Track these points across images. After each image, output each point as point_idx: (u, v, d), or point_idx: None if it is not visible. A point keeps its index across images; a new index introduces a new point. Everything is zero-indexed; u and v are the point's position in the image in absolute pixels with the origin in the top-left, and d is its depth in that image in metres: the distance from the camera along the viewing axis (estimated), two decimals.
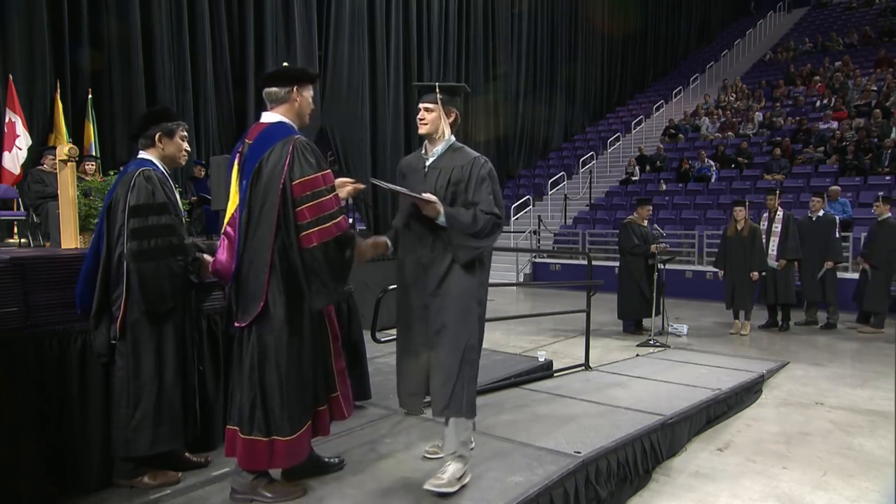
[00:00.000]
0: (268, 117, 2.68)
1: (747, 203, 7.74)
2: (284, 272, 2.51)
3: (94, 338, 2.73)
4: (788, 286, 7.97)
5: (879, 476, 3.64)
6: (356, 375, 3.88)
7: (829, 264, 8.07)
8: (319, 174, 2.52)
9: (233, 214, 2.59)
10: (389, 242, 2.96)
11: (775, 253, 7.95)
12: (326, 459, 2.92)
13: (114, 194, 2.76)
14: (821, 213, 8.32)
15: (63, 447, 2.71)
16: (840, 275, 9.27)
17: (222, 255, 2.62)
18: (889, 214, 8.16)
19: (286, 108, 2.67)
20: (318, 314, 2.64)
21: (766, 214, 8.17)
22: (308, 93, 2.73)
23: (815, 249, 8.14)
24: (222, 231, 2.64)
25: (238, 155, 2.65)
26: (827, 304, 8.28)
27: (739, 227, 7.64)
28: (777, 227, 7.98)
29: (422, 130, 2.91)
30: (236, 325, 2.60)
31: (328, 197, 2.52)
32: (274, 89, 2.66)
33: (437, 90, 2.86)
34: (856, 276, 8.68)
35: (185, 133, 2.97)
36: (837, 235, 8.19)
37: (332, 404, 2.76)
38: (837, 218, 8.35)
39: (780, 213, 8.06)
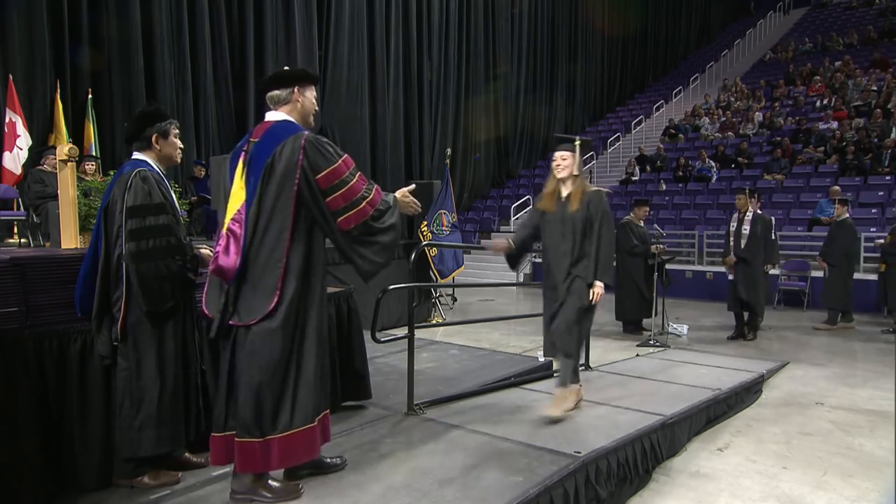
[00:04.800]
0: (272, 116, 2.69)
1: (578, 143, 3.87)
2: (298, 268, 2.53)
3: (96, 340, 2.73)
4: (750, 287, 7.33)
5: (879, 476, 3.64)
6: (356, 375, 3.89)
7: (767, 266, 7.69)
8: (340, 162, 2.58)
9: (238, 211, 2.55)
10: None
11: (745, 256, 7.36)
12: (328, 460, 2.92)
13: (110, 195, 2.75)
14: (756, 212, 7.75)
15: (63, 447, 2.71)
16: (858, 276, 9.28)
17: (227, 252, 2.53)
18: (847, 215, 8.31)
19: (289, 108, 2.69)
20: (323, 314, 2.66)
21: (735, 215, 7.63)
22: (310, 93, 2.75)
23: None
24: (225, 228, 2.56)
25: (243, 153, 2.64)
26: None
27: (565, 194, 3.89)
28: (746, 228, 7.38)
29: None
30: (232, 323, 2.54)
31: (355, 180, 2.59)
32: (276, 92, 2.69)
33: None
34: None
35: (178, 130, 2.96)
36: (774, 237, 7.85)
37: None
38: (773, 220, 8.03)
39: (750, 213, 7.42)
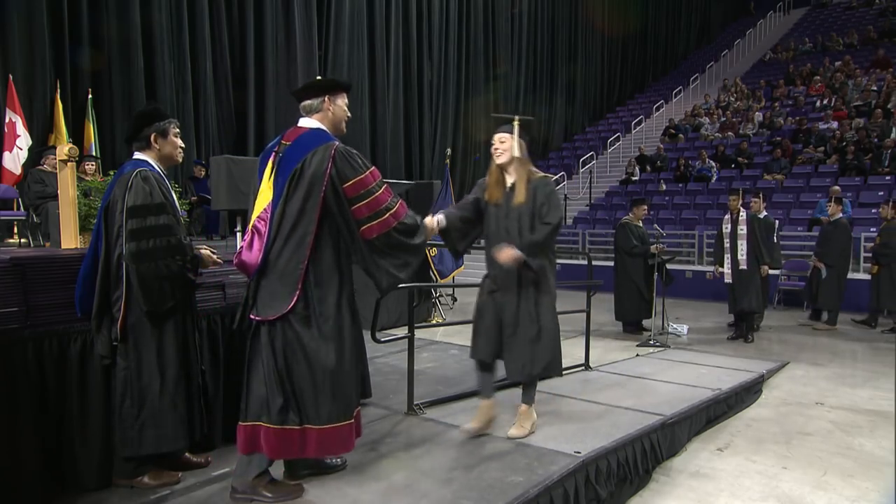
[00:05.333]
0: (306, 122, 2.76)
1: (516, 122, 3.49)
2: (322, 268, 2.59)
3: (95, 339, 2.73)
4: (749, 290, 7.23)
5: (879, 476, 3.64)
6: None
7: (764, 268, 7.41)
8: (367, 173, 2.64)
9: (264, 209, 2.63)
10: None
11: (745, 258, 7.19)
12: (328, 460, 2.93)
13: (111, 195, 2.75)
14: (761, 215, 7.68)
15: (63, 447, 2.72)
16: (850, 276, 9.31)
17: (250, 248, 2.63)
18: (841, 215, 8.37)
19: (320, 116, 2.77)
20: (354, 314, 2.73)
21: (727, 216, 7.49)
22: (342, 101, 2.82)
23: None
24: (251, 225, 2.66)
25: (274, 154, 2.70)
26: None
27: (509, 183, 3.46)
28: (742, 229, 7.22)
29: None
30: (253, 318, 2.62)
31: (380, 191, 2.66)
32: (308, 101, 2.76)
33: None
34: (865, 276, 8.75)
35: (178, 130, 2.97)
36: (775, 240, 7.86)
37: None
38: (776, 222, 8.02)
39: (743, 214, 7.31)
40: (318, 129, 2.72)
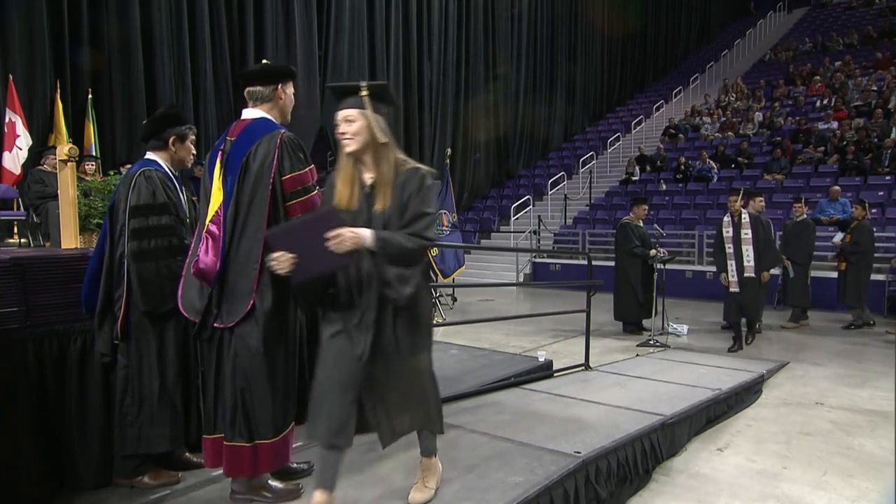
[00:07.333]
0: (249, 114, 2.64)
1: (365, 92, 2.37)
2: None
3: (97, 337, 2.74)
4: (756, 299, 7.02)
5: (879, 476, 3.64)
6: None
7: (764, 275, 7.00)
8: (307, 169, 2.52)
9: (216, 212, 2.50)
10: None
11: (752, 264, 6.81)
12: (294, 465, 2.85)
13: (116, 195, 2.78)
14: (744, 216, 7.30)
15: (62, 447, 2.71)
16: (827, 274, 9.36)
17: (207, 255, 2.47)
18: (805, 216, 8.46)
19: (270, 105, 2.65)
20: (295, 313, 2.61)
21: (727, 219, 7.01)
22: (290, 90, 2.72)
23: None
24: (204, 230, 2.52)
25: (220, 153, 2.58)
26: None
27: (368, 182, 2.42)
28: (747, 233, 6.82)
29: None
30: (216, 325, 2.50)
31: (315, 193, 2.53)
32: (258, 88, 2.63)
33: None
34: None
35: (194, 136, 2.98)
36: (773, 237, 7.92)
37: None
38: (769, 221, 8.06)
39: (745, 216, 6.90)
40: (262, 119, 2.59)
